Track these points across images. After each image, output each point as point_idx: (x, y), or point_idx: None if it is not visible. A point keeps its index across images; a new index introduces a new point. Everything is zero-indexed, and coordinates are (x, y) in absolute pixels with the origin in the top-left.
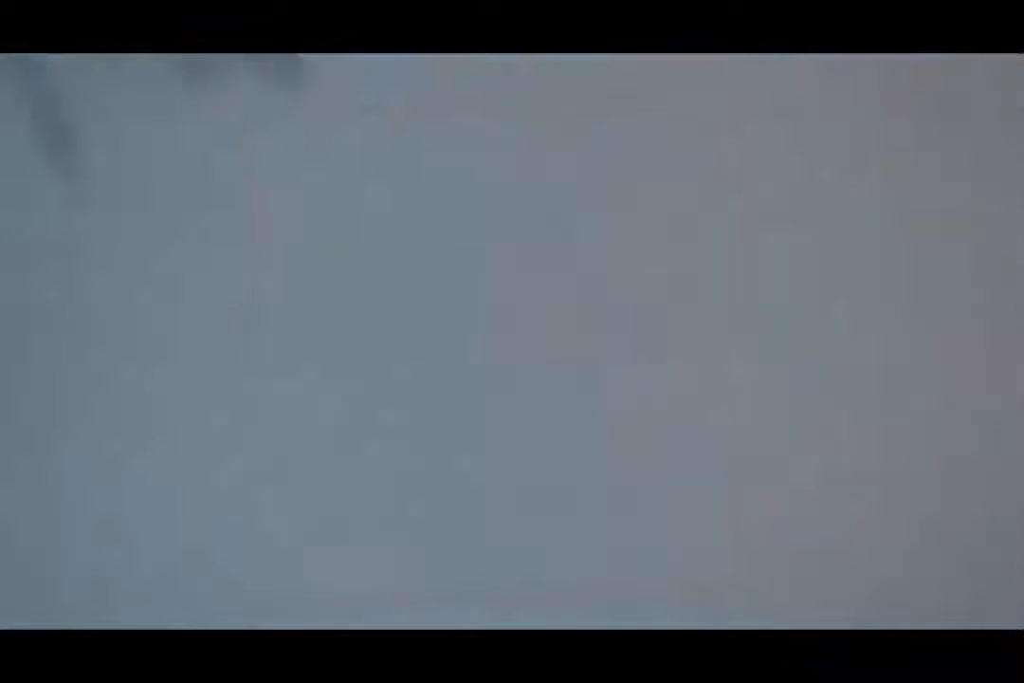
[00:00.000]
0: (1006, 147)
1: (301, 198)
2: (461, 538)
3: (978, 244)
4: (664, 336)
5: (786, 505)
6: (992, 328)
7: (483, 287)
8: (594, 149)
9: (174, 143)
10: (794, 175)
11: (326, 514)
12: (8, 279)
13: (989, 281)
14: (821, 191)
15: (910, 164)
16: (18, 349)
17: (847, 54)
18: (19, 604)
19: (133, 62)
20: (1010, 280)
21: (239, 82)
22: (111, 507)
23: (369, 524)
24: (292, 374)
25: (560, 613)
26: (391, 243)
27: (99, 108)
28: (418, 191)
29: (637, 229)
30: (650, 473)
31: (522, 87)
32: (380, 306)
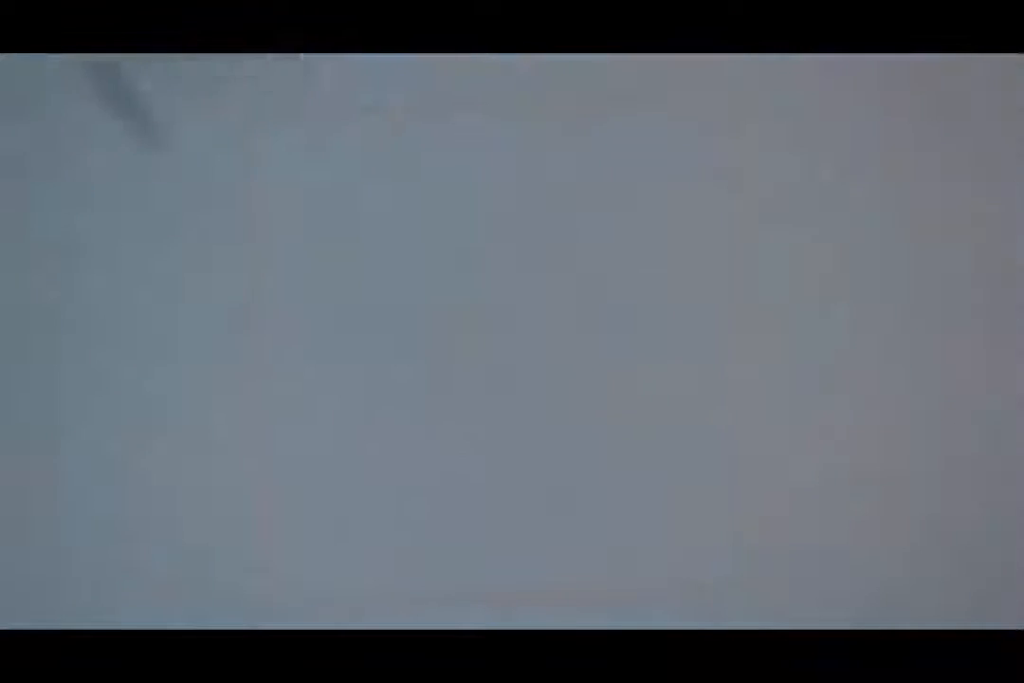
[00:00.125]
0: (1006, 147)
1: (301, 198)
2: (461, 538)
3: (978, 244)
4: (664, 336)
5: (786, 505)
6: (992, 328)
7: (483, 287)
8: (594, 149)
9: (174, 143)
10: (794, 175)
11: (326, 514)
12: (8, 279)
13: (989, 281)
14: (821, 191)
15: (910, 164)
16: (18, 349)
17: (847, 54)
18: (18, 604)
19: (133, 62)
20: (1010, 280)
21: (239, 82)
22: (111, 507)
23: (369, 524)
24: (292, 374)
25: (560, 613)
26: (391, 243)
27: (98, 108)
28: (418, 191)
29: (637, 229)
30: (650, 473)
31: (522, 87)
32: (380, 306)
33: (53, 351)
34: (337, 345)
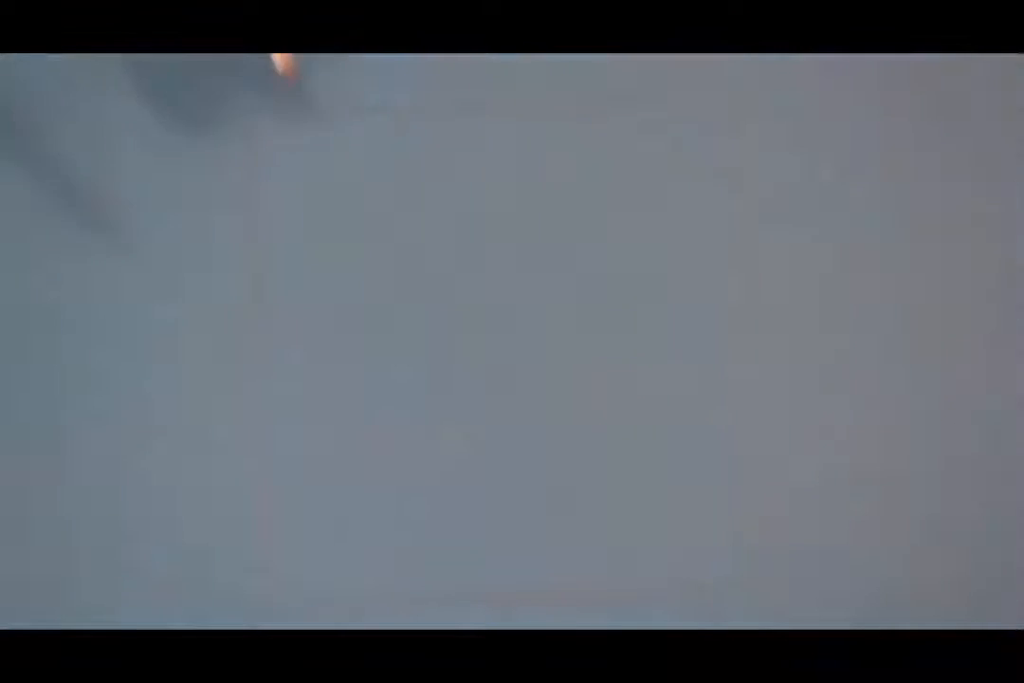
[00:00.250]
0: (1006, 147)
1: (302, 198)
2: (461, 538)
3: (978, 244)
4: (664, 336)
5: (786, 505)
6: (992, 328)
7: (483, 287)
8: (594, 149)
9: (174, 143)
10: (794, 175)
11: (326, 514)
12: (8, 279)
13: (989, 281)
14: (821, 191)
15: (910, 164)
16: (18, 349)
17: (847, 54)
18: (18, 604)
19: (133, 62)
20: (1010, 280)
21: (238, 83)
22: (111, 507)
23: (369, 524)
24: (292, 374)
25: (560, 613)
26: (391, 243)
27: (100, 108)
28: (419, 191)
29: (637, 229)
30: (650, 473)
31: (522, 87)
32: (380, 306)
33: (53, 351)
34: (337, 345)
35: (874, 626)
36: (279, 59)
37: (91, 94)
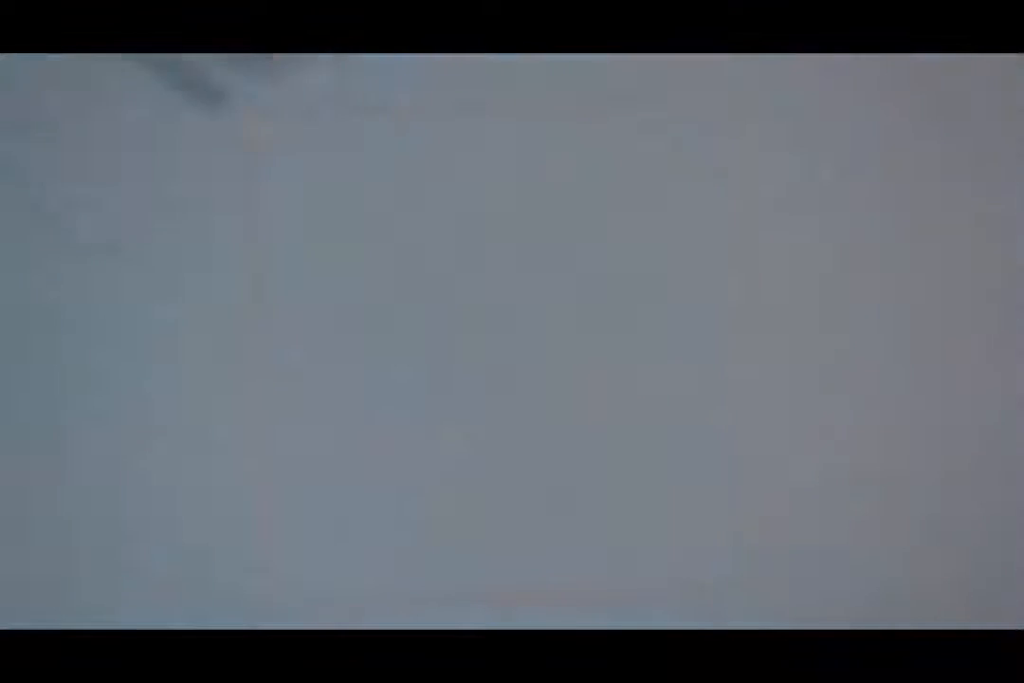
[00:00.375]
0: (1006, 147)
1: (302, 198)
2: (461, 538)
3: (978, 244)
4: (664, 336)
5: (786, 505)
6: (992, 328)
7: (483, 287)
8: (594, 149)
9: (175, 143)
10: (794, 175)
11: (326, 514)
12: (8, 279)
13: (989, 281)
14: (821, 191)
15: (910, 164)
16: (18, 349)
17: (847, 54)
18: (18, 604)
19: (134, 62)
20: (1010, 280)
21: (238, 82)
22: (111, 507)
23: (369, 524)
24: (292, 374)
25: (560, 613)
26: (391, 243)
27: (99, 108)
28: (418, 191)
29: (637, 229)
30: (650, 473)
31: (522, 87)
32: (380, 306)
33: (53, 351)
34: (337, 345)
35: (874, 626)
36: None
37: (91, 94)
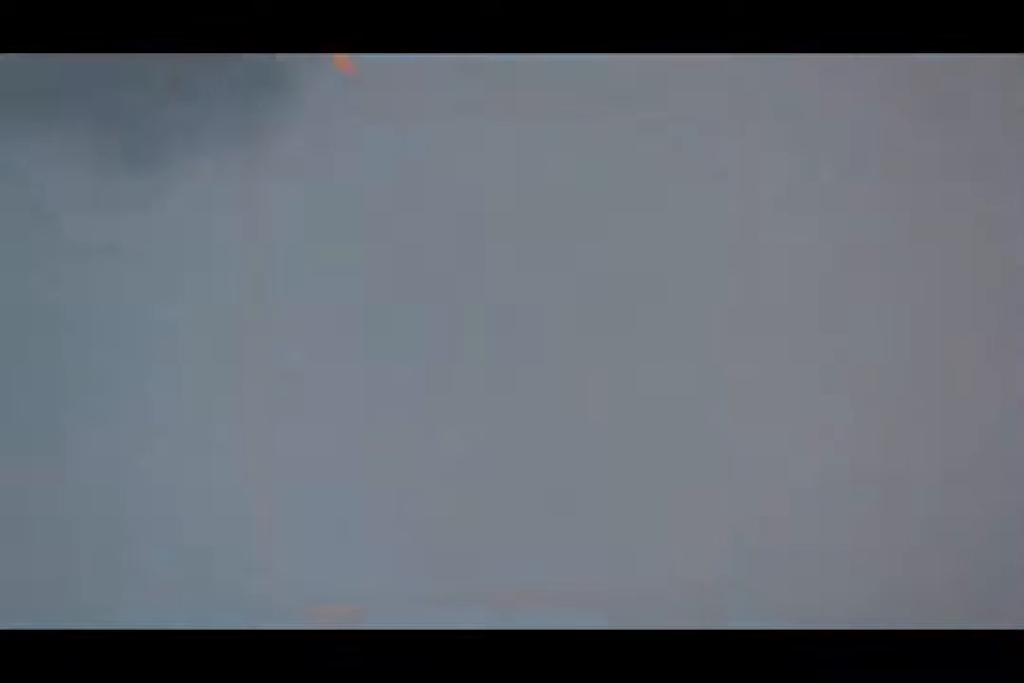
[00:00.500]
0: (1006, 147)
1: (302, 198)
2: (461, 538)
3: (978, 244)
4: (664, 336)
5: (786, 505)
6: (992, 328)
7: (483, 287)
8: (594, 149)
9: (176, 143)
10: (794, 175)
11: (326, 514)
12: (8, 279)
13: (989, 281)
14: (821, 191)
15: (910, 164)
16: (18, 349)
17: (847, 54)
18: (18, 604)
19: (132, 62)
20: (1010, 280)
21: (239, 83)
22: (111, 507)
23: (369, 524)
24: (292, 374)
25: (560, 613)
26: (391, 243)
27: (99, 107)
28: (418, 191)
29: (637, 229)
30: (650, 473)
31: (522, 87)
32: (380, 306)
33: (53, 351)
34: (337, 345)
35: (874, 626)
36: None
37: (90, 94)
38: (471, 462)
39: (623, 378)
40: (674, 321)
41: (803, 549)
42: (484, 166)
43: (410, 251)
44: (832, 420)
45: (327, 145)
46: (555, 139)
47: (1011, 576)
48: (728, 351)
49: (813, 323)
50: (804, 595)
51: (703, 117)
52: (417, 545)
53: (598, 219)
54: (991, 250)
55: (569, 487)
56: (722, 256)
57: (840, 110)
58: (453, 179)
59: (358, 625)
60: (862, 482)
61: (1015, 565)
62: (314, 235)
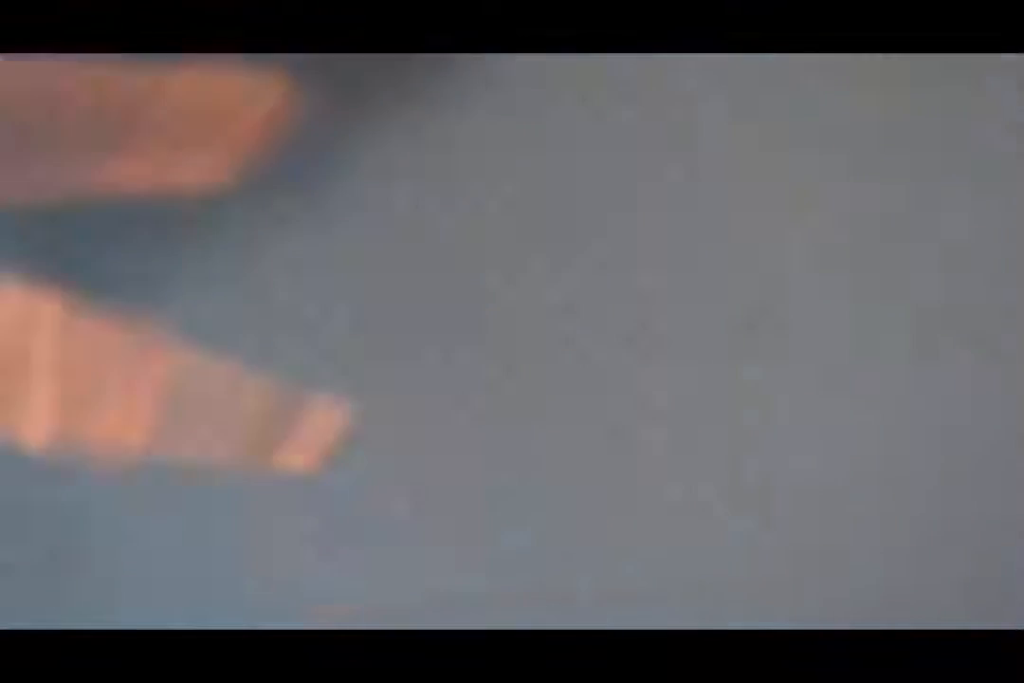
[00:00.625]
0: (1006, 147)
1: (302, 198)
2: (462, 538)
3: (978, 244)
4: (665, 336)
5: (786, 505)
6: (992, 328)
7: (483, 287)
8: (594, 148)
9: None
10: (794, 175)
11: (326, 514)
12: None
13: (989, 281)
14: (821, 191)
15: (910, 164)
16: None
17: (847, 54)
18: (18, 604)
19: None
20: (1010, 280)
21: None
22: (111, 507)
23: (370, 524)
24: (292, 374)
25: (560, 613)
26: (391, 243)
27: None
28: (418, 191)
29: (637, 229)
30: (650, 473)
31: (522, 87)
32: (380, 306)
33: None
34: (337, 345)
35: (874, 626)
36: None
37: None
38: (471, 461)
39: (623, 378)
40: (675, 321)
41: (803, 549)
42: (484, 166)
43: (410, 251)
44: (832, 420)
45: (328, 145)
46: (555, 139)
47: (1012, 576)
48: (728, 351)
49: (813, 323)
50: (804, 595)
51: (703, 117)
52: (417, 545)
53: (598, 219)
54: (991, 250)
55: (569, 487)
56: (722, 256)
57: (840, 110)
58: (453, 179)
59: (358, 625)
60: (862, 482)
61: (1016, 565)
62: (314, 235)
